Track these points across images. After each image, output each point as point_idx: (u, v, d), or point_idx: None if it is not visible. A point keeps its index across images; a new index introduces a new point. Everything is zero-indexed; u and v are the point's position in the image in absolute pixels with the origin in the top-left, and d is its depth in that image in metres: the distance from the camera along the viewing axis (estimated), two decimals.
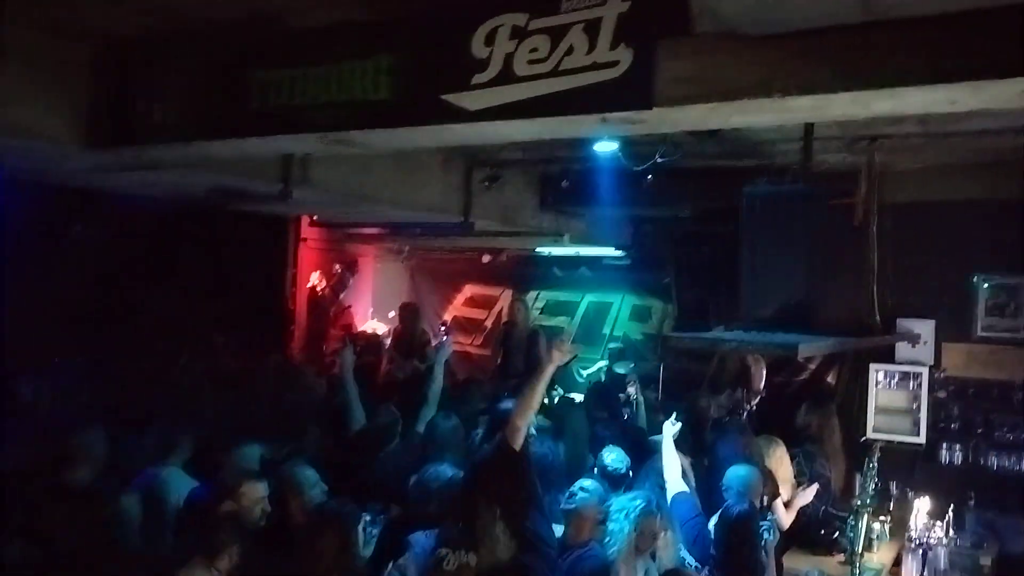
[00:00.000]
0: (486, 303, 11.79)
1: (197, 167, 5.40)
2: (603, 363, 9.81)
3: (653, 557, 4.31)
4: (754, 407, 6.32)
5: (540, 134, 4.06)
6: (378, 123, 4.00)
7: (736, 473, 4.97)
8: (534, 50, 3.49)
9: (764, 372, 6.35)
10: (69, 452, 4.50)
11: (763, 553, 4.56)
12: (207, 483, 4.60)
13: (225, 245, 8.60)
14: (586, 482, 4.48)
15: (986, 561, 6.18)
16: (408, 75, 3.82)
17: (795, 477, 5.80)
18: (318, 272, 10.74)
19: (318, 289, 10.73)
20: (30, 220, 7.53)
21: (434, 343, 8.58)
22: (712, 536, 4.73)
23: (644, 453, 5.54)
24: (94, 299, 8.00)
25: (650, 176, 6.71)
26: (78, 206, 7.54)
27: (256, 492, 4.11)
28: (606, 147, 6.00)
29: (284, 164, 5.90)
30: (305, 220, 10.14)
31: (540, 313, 10.96)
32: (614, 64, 3.34)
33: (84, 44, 4.71)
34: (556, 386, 8.96)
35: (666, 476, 5.02)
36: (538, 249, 10.67)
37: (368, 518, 4.39)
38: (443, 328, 7.61)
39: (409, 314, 9.99)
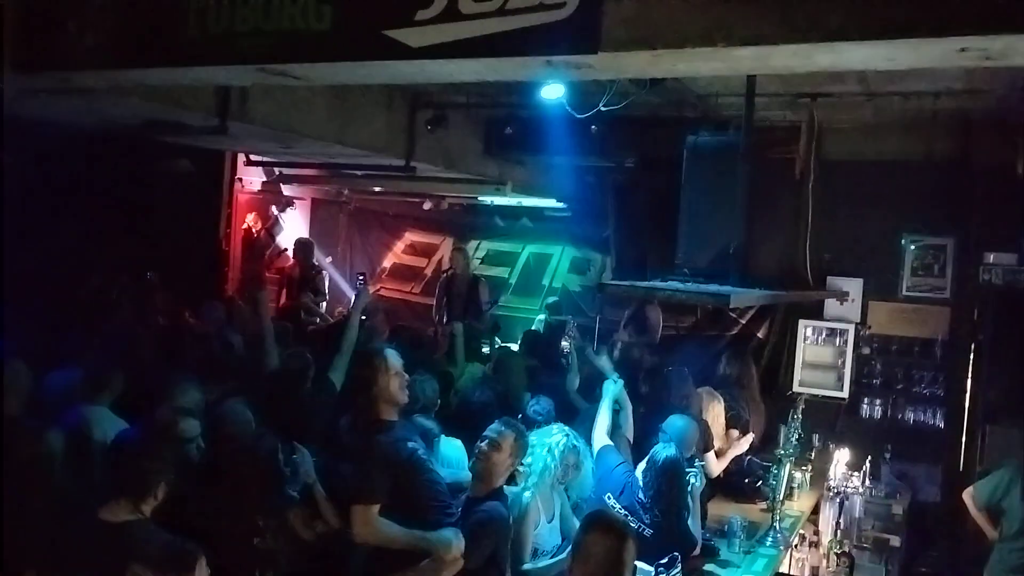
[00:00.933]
0: (426, 251, 11.74)
1: (130, 96, 5.20)
2: (543, 316, 9.91)
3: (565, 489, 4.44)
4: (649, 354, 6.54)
5: (484, 75, 4.00)
6: (318, 56, 3.88)
7: (675, 423, 5.03)
8: None
9: (660, 318, 6.57)
10: None
11: (689, 497, 4.68)
12: (137, 423, 4.52)
13: (158, 181, 8.37)
14: (493, 428, 4.17)
15: (898, 510, 6.49)
16: (350, 6, 3.72)
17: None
18: (253, 214, 10.55)
19: (254, 231, 10.54)
20: None
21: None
22: (640, 482, 4.83)
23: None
24: (19, 231, 7.74)
25: (594, 126, 6.71)
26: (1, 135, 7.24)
27: (192, 430, 4.04)
28: (552, 93, 5.95)
29: (221, 97, 5.74)
30: (241, 159, 9.91)
31: (481, 263, 10.95)
32: (561, 5, 3.29)
33: None
34: (496, 337, 9.05)
35: (595, 430, 5.03)
36: (480, 198, 10.63)
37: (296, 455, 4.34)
38: (360, 278, 7.61)
39: (302, 249, 9.89)
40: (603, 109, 5.32)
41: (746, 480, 6.14)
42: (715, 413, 5.74)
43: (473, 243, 11.05)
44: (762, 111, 5.77)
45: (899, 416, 7.41)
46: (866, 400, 7.49)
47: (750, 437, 5.95)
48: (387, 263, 11.94)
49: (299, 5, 3.76)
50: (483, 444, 4.06)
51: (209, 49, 4.10)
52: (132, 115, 6.05)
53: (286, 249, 10.59)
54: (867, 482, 6.45)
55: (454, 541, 3.72)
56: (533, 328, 9.21)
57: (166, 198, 8.48)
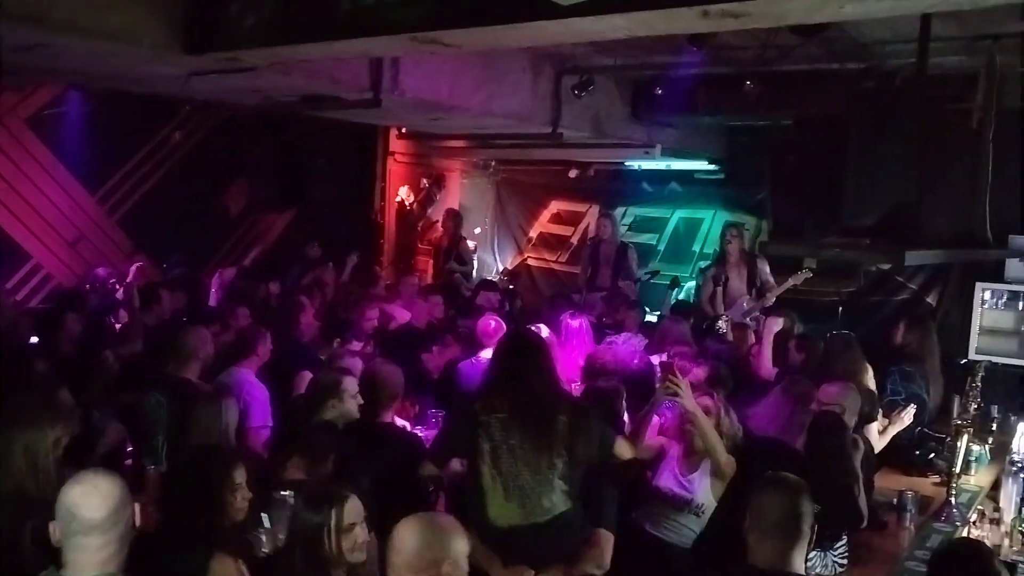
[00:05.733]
0: (572, 219, 11.70)
1: (290, 72, 5.41)
2: (692, 282, 9.67)
3: None
4: None
5: (635, 31, 3.88)
6: (469, 21, 3.89)
7: (828, 391, 4.80)
8: None
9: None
10: (177, 349, 4.67)
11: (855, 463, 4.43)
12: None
13: (315, 156, 8.71)
14: None
15: None
16: None
17: (891, 396, 5.63)
18: (406, 187, 10.81)
19: (406, 204, 10.82)
20: (126, 128, 7.86)
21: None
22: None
23: None
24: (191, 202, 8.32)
25: (748, 83, 6.44)
26: (172, 115, 7.76)
27: (353, 386, 4.19)
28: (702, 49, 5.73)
29: (374, 70, 5.87)
30: (393, 133, 10.16)
31: (628, 229, 10.78)
32: None
33: None
34: (644, 307, 8.92)
35: None
36: (627, 163, 10.46)
37: None
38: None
39: (451, 219, 10.03)
40: (760, 62, 5.06)
41: (917, 452, 5.77)
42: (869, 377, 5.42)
43: (620, 210, 10.88)
44: (935, 57, 5.33)
45: None
46: None
47: (912, 409, 5.58)
48: (533, 232, 11.99)
49: None
50: None
51: (362, 21, 4.19)
52: (291, 91, 6.29)
53: (437, 221, 10.81)
54: None
55: None
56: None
57: (323, 172, 8.82)
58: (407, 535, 2.56)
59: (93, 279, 7.17)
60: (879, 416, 5.32)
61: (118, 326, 6.20)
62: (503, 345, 3.81)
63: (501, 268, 11.47)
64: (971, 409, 5.30)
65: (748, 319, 7.16)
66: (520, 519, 3.40)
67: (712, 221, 10.27)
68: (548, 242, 11.85)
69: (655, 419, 4.36)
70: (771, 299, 7.28)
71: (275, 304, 6.90)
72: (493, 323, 5.75)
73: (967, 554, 3.03)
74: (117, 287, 6.93)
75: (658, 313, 8.26)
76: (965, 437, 5.20)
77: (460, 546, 2.59)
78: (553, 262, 11.71)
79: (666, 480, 4.22)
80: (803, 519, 2.92)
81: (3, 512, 2.89)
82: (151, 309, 6.11)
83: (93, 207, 8.14)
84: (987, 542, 5.18)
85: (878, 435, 5.31)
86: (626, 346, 6.18)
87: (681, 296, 9.40)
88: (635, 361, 5.67)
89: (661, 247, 10.75)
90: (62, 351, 5.26)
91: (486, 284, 8.33)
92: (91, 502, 2.43)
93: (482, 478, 3.42)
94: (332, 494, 2.87)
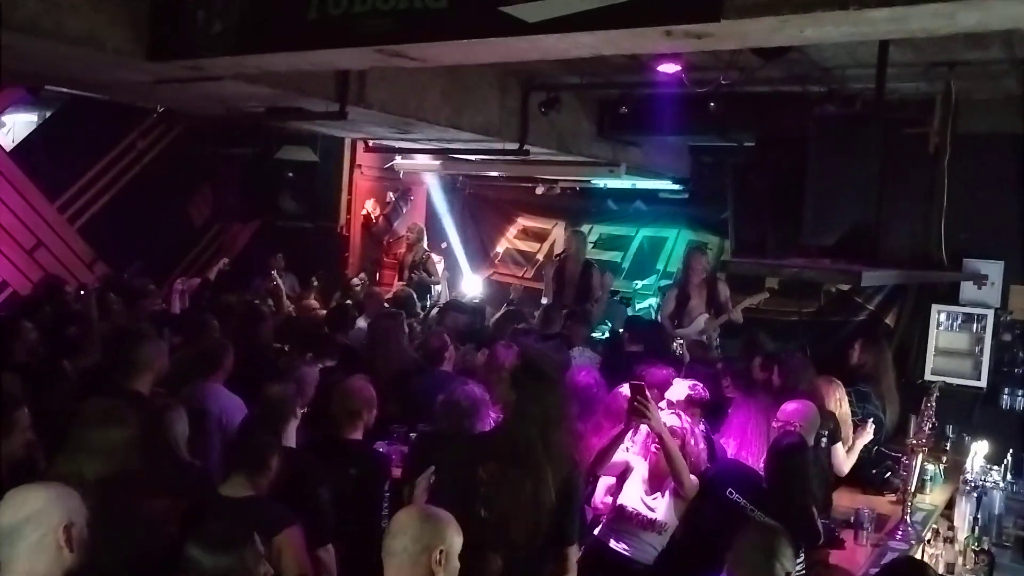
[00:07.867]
0: (539, 236, 11.73)
1: (255, 82, 5.37)
2: (654, 300, 9.74)
3: None
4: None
5: (600, 49, 3.92)
6: (435, 35, 3.90)
7: (787, 408, 4.85)
8: None
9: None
10: (132, 359, 4.55)
11: (815, 485, 4.47)
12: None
13: (281, 168, 8.65)
14: None
15: None
16: None
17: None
18: (372, 200, 10.77)
19: (372, 217, 10.77)
20: (90, 135, 7.75)
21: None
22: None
23: None
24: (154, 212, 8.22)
25: (712, 103, 6.52)
26: (138, 122, 7.67)
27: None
28: (668, 69, 5.79)
29: (340, 82, 5.85)
30: (360, 146, 10.13)
31: (593, 247, 10.83)
32: None
33: None
34: (607, 320, 8.97)
35: None
36: (593, 181, 10.53)
37: None
38: None
39: (415, 234, 10.08)
40: (723, 83, 5.12)
41: (873, 471, 5.84)
42: (836, 399, 5.48)
43: (585, 227, 10.94)
44: (893, 83, 5.45)
45: None
46: (1007, 390, 7.04)
47: (871, 425, 5.66)
48: (500, 248, 12.00)
49: None
50: None
51: (328, 32, 4.18)
52: (256, 102, 6.25)
53: (403, 236, 10.77)
54: (1008, 477, 6.04)
55: None
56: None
57: (288, 185, 8.75)
58: (405, 521, 2.62)
59: (49, 287, 7.04)
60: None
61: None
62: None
63: (473, 283, 11.47)
64: (926, 429, 5.37)
65: (704, 338, 7.23)
66: None
67: (676, 240, 10.38)
68: (514, 258, 11.87)
69: None
70: (737, 316, 7.38)
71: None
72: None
73: (909, 573, 3.07)
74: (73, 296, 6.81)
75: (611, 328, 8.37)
76: (920, 456, 5.27)
77: (454, 538, 2.61)
78: (520, 278, 11.73)
79: (630, 499, 4.23)
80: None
81: None
82: (107, 318, 5.99)
83: (53, 215, 8.01)
84: (941, 560, 5.26)
85: (845, 455, 5.37)
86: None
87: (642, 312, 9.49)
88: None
89: (626, 265, 10.84)
90: (17, 360, 5.13)
91: (453, 305, 8.31)
92: None
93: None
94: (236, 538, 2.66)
